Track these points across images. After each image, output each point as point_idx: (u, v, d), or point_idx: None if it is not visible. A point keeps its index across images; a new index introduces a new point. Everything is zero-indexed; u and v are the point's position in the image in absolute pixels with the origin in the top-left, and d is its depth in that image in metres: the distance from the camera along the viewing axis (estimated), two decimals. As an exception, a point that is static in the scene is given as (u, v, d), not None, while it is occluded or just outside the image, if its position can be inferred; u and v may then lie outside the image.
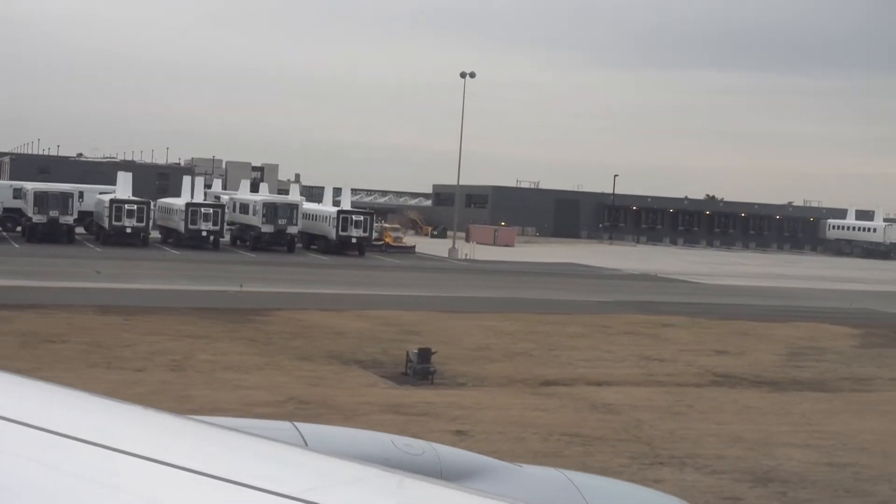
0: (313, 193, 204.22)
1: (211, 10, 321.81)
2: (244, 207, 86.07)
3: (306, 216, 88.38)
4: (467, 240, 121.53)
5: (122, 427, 3.19)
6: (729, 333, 43.03)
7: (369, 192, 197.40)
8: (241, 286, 49.52)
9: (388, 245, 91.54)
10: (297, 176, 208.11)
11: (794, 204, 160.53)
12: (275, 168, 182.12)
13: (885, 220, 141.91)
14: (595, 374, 31.54)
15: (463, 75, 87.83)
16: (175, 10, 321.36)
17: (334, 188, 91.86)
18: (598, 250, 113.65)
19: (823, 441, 23.04)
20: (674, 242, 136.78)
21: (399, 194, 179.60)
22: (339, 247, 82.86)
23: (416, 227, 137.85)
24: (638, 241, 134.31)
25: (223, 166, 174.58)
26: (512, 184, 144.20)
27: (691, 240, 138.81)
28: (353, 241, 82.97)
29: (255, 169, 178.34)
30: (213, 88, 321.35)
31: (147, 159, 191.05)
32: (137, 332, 33.99)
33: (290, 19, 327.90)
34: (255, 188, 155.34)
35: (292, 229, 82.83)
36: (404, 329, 38.49)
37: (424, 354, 29.63)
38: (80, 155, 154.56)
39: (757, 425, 24.64)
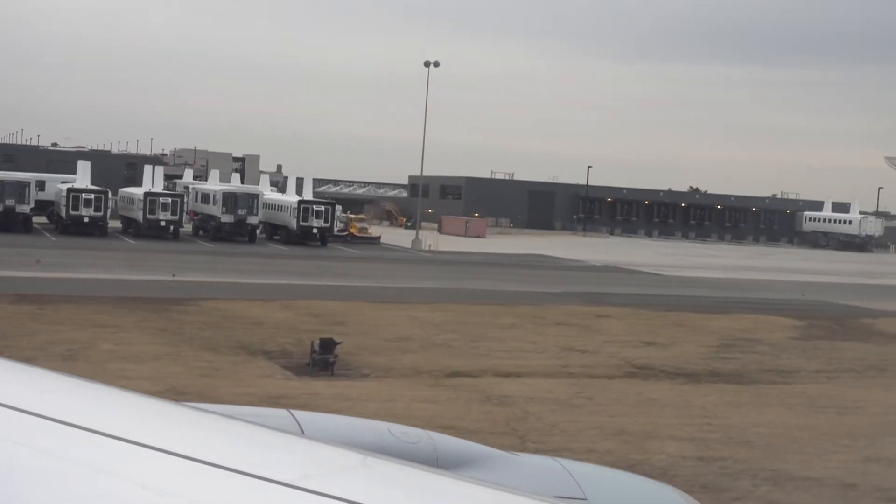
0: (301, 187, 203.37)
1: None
2: (205, 197, 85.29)
3: (269, 206, 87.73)
4: (440, 231, 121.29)
5: (117, 413, 3.19)
6: (666, 325, 42.38)
7: (349, 182, 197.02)
8: (173, 276, 48.75)
9: (352, 236, 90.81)
10: (279, 167, 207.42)
11: (778, 196, 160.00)
12: (256, 159, 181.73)
13: (861, 212, 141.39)
14: (508, 365, 30.83)
15: (427, 64, 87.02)
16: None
17: (297, 178, 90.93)
18: (570, 242, 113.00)
19: (710, 434, 22.37)
20: (649, 234, 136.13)
21: (379, 185, 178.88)
22: (301, 237, 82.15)
23: (392, 219, 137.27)
24: (612, 233, 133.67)
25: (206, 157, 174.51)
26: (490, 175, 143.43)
27: (667, 231, 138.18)
28: (314, 231, 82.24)
29: (236, 160, 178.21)
30: (204, 79, 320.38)
31: (132, 150, 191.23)
32: (45, 322, 33.25)
33: (284, 11, 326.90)
34: (237, 179, 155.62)
35: (252, 219, 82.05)
36: (329, 319, 37.77)
37: (326, 345, 28.91)
38: (54, 145, 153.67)
39: (649, 418, 23.95)
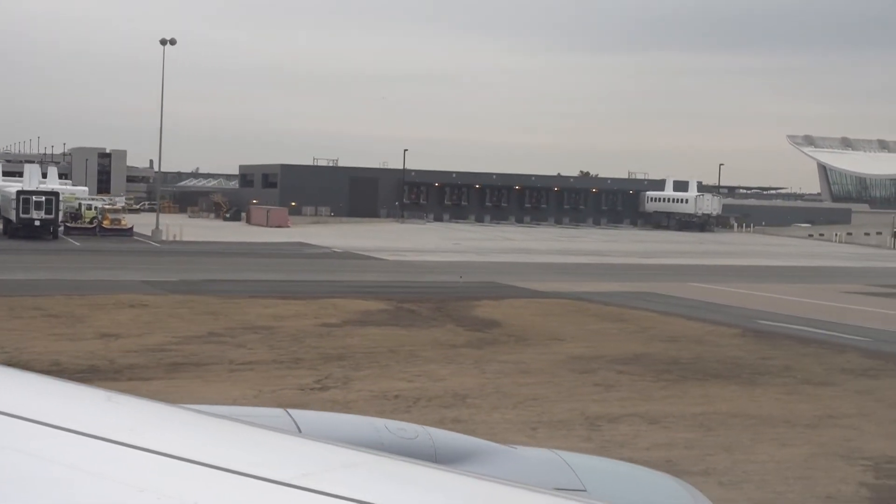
0: (168, 179, 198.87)
1: None
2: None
3: (4, 198, 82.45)
4: (248, 221, 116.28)
5: (112, 417, 3.14)
6: (198, 314, 37.42)
7: (205, 175, 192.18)
8: None
9: (101, 227, 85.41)
10: (151, 162, 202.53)
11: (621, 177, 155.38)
12: (123, 154, 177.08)
13: (700, 189, 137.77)
14: None
15: (163, 42, 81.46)
16: None
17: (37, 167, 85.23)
18: (375, 229, 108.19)
19: None
20: (480, 220, 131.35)
21: (229, 177, 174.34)
22: (25, 230, 76.52)
23: (218, 210, 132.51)
24: (441, 219, 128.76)
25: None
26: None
27: (500, 216, 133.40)
28: (37, 223, 76.55)
29: (103, 156, 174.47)
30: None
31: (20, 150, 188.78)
32: None
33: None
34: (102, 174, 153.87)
35: (-34, 212, 76.46)
36: None
37: None
38: None
39: None
